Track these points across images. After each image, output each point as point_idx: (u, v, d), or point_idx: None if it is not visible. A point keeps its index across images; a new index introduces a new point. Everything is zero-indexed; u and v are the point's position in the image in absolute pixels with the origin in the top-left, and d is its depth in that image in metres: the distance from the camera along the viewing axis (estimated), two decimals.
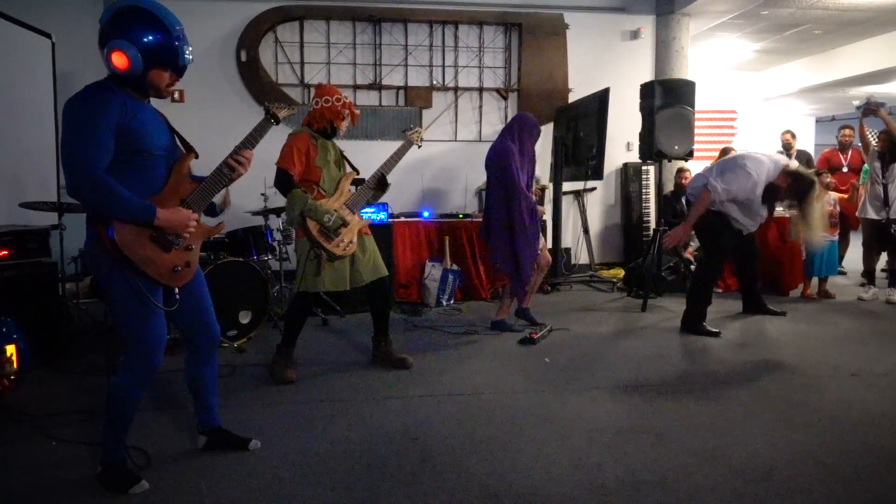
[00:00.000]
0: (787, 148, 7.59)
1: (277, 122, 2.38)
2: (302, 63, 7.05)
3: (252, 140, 2.29)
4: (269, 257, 4.95)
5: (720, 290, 6.28)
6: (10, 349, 3.28)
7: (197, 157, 2.26)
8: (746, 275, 5.13)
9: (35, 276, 3.85)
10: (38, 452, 2.56)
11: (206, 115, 6.71)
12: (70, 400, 3.17)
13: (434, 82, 7.30)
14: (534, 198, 4.51)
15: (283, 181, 3.46)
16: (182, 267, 2.18)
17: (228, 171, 2.23)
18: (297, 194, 3.42)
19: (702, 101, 6.60)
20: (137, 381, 2.19)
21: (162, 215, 2.07)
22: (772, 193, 4.41)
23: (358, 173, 3.79)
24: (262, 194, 5.24)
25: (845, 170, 7.15)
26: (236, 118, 6.81)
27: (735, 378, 3.55)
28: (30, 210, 4.06)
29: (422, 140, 3.88)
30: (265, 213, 5.21)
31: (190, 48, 2.15)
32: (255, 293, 4.37)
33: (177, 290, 2.17)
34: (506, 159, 4.36)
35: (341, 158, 3.73)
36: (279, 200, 5.28)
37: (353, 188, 3.74)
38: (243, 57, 6.87)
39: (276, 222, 5.34)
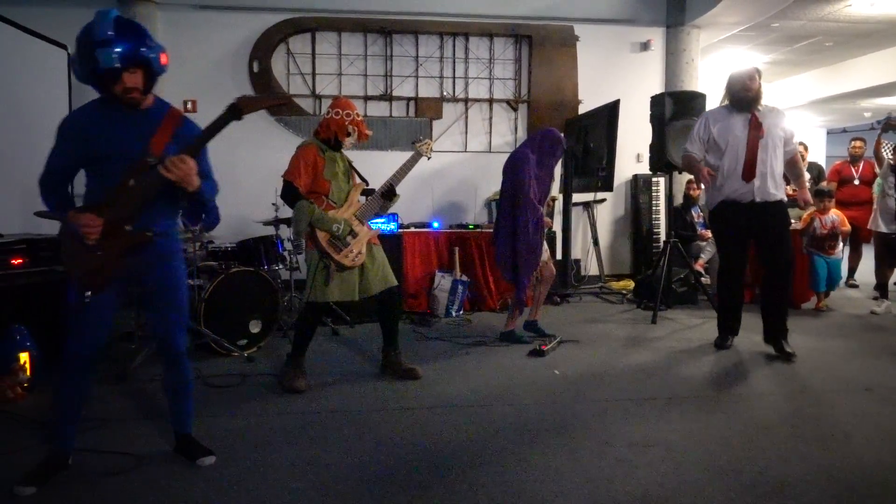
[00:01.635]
0: None
1: (240, 118, 2.29)
2: (314, 74, 7.10)
3: (206, 136, 2.26)
4: (280, 267, 4.98)
5: None
6: (24, 357, 3.31)
7: (148, 166, 2.18)
8: (767, 293, 4.30)
9: (48, 285, 3.87)
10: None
11: None
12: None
13: (444, 93, 7.34)
14: (543, 210, 4.51)
15: (290, 193, 3.49)
16: (91, 271, 2.21)
17: (154, 178, 2.18)
18: (303, 206, 3.44)
19: None
20: (66, 366, 2.33)
21: (70, 217, 2.21)
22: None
23: (367, 184, 3.82)
24: (273, 204, 5.27)
25: (856, 182, 7.12)
26: (248, 128, 6.83)
27: (746, 391, 3.52)
28: (43, 219, 4.10)
29: (431, 151, 3.89)
30: (275, 222, 5.24)
31: (112, 54, 2.11)
32: (265, 302, 4.39)
33: (87, 294, 2.21)
34: (520, 166, 4.40)
35: (350, 169, 3.75)
36: (288, 211, 5.33)
37: (362, 199, 3.76)
38: (255, 68, 6.93)
39: (286, 232, 5.37)
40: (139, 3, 6.57)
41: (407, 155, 3.84)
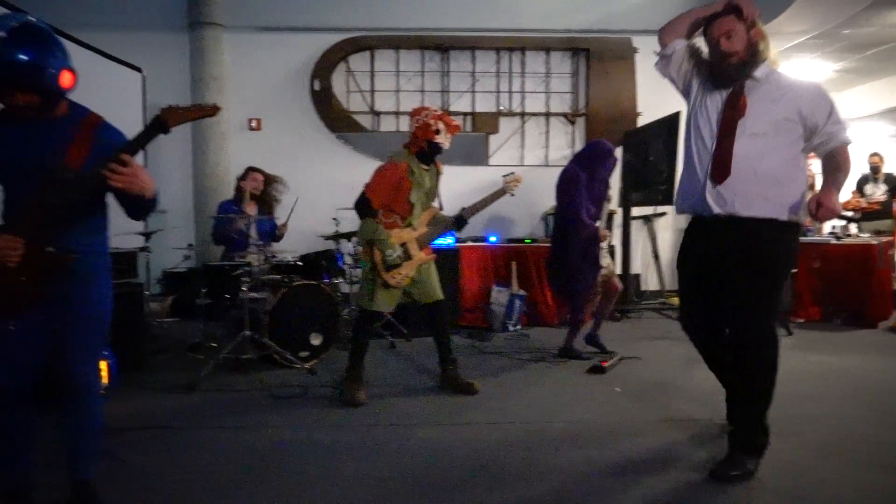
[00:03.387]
0: (874, 171, 7.24)
1: (167, 130, 2.00)
2: (372, 91, 7.24)
3: (130, 150, 1.96)
4: (340, 280, 5.07)
5: (801, 320, 6.01)
6: (102, 365, 3.46)
7: (64, 180, 1.94)
8: (730, 372, 2.73)
9: (123, 296, 4.06)
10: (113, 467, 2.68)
11: (282, 142, 7.01)
12: (150, 416, 3.31)
13: (501, 108, 7.36)
14: (598, 224, 4.44)
15: (363, 207, 3.55)
16: (11, 297, 1.96)
17: (79, 189, 1.96)
18: (369, 223, 3.52)
19: None
20: None
21: None
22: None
23: (441, 208, 3.84)
24: (334, 219, 5.38)
25: None
26: (310, 145, 7.09)
27: (816, 414, 3.36)
28: (119, 234, 4.32)
29: (516, 188, 3.87)
30: (336, 237, 5.34)
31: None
32: (325, 316, 4.47)
33: (11, 323, 1.97)
34: (571, 186, 4.36)
35: (435, 189, 3.76)
36: (349, 225, 5.45)
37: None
38: (317, 86, 7.12)
39: (346, 247, 5.47)
40: (207, 26, 6.86)
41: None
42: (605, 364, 4.21)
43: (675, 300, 7.06)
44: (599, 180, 4.43)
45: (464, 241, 6.12)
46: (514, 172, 4.00)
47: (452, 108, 7.26)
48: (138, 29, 6.78)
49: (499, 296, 5.74)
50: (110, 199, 2.11)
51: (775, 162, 2.48)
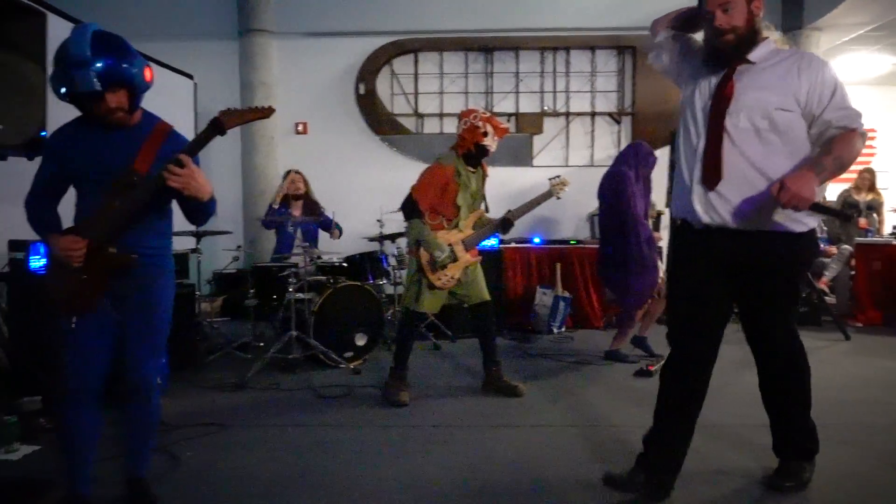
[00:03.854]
0: None
1: (223, 132, 2.06)
2: (416, 93, 7.28)
3: (189, 151, 2.04)
4: (384, 281, 5.11)
5: (860, 325, 5.78)
6: None
7: (131, 185, 2.04)
8: (766, 396, 2.55)
9: (176, 297, 4.16)
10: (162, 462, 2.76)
11: (328, 145, 7.11)
12: (201, 414, 3.40)
13: (545, 108, 7.29)
14: (650, 224, 4.38)
15: (410, 209, 3.57)
16: (70, 295, 2.05)
17: (142, 192, 2.04)
18: (416, 224, 3.54)
19: None
20: (64, 402, 2.11)
21: (52, 240, 2.06)
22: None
23: (487, 211, 3.83)
24: (378, 220, 5.43)
25: None
26: (355, 148, 7.16)
27: (881, 422, 3.22)
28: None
29: (563, 191, 3.85)
30: (380, 238, 5.39)
31: (91, 76, 1.92)
32: (370, 316, 4.51)
33: (73, 320, 2.06)
34: (622, 186, 4.30)
35: (481, 191, 3.76)
36: (393, 227, 5.48)
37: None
38: (361, 90, 7.20)
39: (390, 248, 5.51)
40: (256, 33, 7.01)
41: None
42: (653, 368, 4.12)
43: None
44: (642, 179, 4.37)
45: (507, 243, 6.08)
46: (561, 175, 3.96)
47: (496, 109, 7.23)
48: (190, 38, 6.97)
49: (543, 298, 5.70)
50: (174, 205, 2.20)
51: (777, 163, 2.10)
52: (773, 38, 2.23)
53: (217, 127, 2.04)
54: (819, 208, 2.04)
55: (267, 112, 2.14)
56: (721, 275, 2.25)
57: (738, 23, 2.13)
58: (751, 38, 2.17)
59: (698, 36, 2.40)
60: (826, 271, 6.02)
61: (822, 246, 6.28)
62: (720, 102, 2.16)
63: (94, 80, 1.92)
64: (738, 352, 4.79)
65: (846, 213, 2.32)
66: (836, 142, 2.06)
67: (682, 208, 2.29)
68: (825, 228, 6.39)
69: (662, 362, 4.21)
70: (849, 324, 5.58)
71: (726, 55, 2.18)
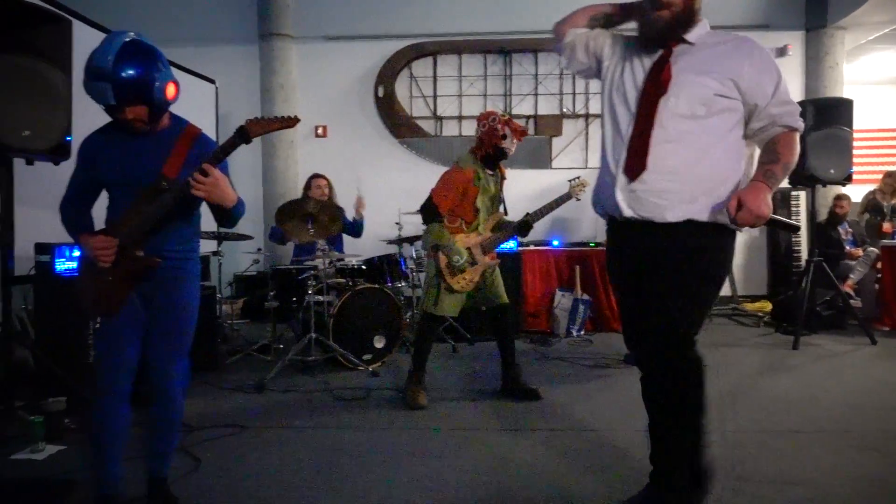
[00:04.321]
0: None
1: (248, 140, 2.07)
2: (435, 96, 7.29)
3: (215, 159, 2.05)
4: (403, 284, 5.13)
5: (886, 328, 5.67)
6: None
7: (160, 189, 2.06)
8: (648, 407, 2.24)
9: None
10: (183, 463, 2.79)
11: (347, 148, 7.16)
12: (221, 415, 3.43)
13: (564, 110, 7.27)
14: None
15: (429, 212, 3.58)
16: (96, 297, 2.10)
17: (170, 198, 2.06)
18: (435, 228, 3.54)
19: (860, 119, 6.04)
20: (97, 400, 2.13)
21: (82, 241, 2.12)
22: None
23: (506, 213, 3.83)
24: (397, 223, 5.45)
25: None
26: (373, 151, 7.21)
27: None
28: None
29: (583, 192, 3.83)
30: (399, 241, 5.41)
31: (108, 90, 1.93)
32: (389, 319, 4.53)
33: (97, 321, 2.11)
34: None
35: (499, 194, 3.76)
36: (412, 229, 5.50)
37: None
38: (380, 93, 7.23)
39: (409, 250, 5.53)
40: (276, 37, 7.09)
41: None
42: None
43: (748, 306, 6.80)
44: None
45: (526, 246, 6.06)
46: (580, 177, 3.94)
47: (515, 112, 7.22)
48: (212, 43, 7.07)
49: (562, 300, 5.67)
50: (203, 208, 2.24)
51: (708, 153, 1.93)
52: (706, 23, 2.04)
53: (243, 135, 2.05)
54: (772, 221, 1.89)
55: (292, 122, 2.16)
56: (641, 271, 2.06)
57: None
58: (688, 17, 1.98)
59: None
60: (851, 274, 5.92)
61: (847, 248, 6.17)
62: (655, 85, 1.96)
63: (110, 94, 1.93)
64: (758, 355, 4.75)
65: (795, 226, 2.16)
66: (782, 146, 1.92)
67: (605, 201, 2.09)
68: (851, 231, 6.28)
69: None
70: (875, 327, 5.48)
71: (660, 33, 1.99)
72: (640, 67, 2.04)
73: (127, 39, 1.99)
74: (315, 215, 4.28)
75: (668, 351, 2.03)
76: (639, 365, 2.23)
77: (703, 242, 1.97)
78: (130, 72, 1.95)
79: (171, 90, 2.06)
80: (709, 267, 2.01)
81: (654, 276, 2.01)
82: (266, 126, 2.09)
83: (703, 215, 1.93)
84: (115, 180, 2.12)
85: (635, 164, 1.97)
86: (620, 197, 2.01)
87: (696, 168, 1.93)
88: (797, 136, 1.96)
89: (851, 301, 5.67)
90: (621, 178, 2.00)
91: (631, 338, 2.24)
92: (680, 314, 1.99)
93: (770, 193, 1.84)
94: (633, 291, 2.10)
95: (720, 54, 1.96)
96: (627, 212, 2.00)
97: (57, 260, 3.48)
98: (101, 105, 1.99)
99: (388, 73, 7.23)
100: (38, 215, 3.52)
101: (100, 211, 2.22)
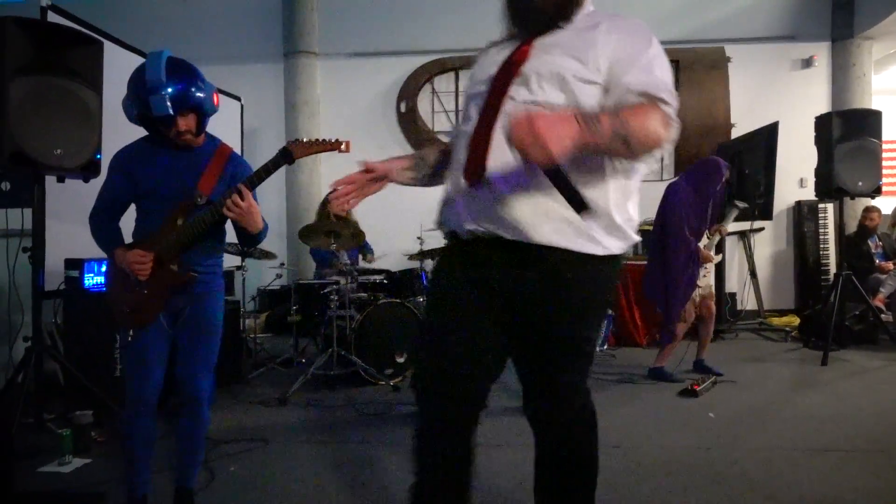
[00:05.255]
0: None
1: (292, 161, 2.14)
2: (457, 111, 7.33)
3: (258, 178, 2.12)
4: (424, 299, 5.12)
5: None
6: None
7: (195, 205, 2.14)
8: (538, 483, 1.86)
9: None
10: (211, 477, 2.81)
11: None
12: (244, 429, 3.45)
13: None
14: (700, 242, 4.33)
15: None
16: (131, 309, 2.15)
17: (208, 215, 2.13)
18: None
19: (889, 130, 5.95)
20: (126, 412, 2.19)
21: (117, 254, 2.14)
22: None
23: None
24: (418, 238, 5.46)
25: None
26: None
27: None
28: None
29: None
30: (421, 255, 5.42)
31: (165, 100, 2.03)
32: (410, 333, 4.52)
33: (130, 333, 2.16)
34: (671, 196, 4.35)
35: None
36: (433, 244, 5.50)
37: None
38: (403, 108, 7.29)
39: (430, 265, 5.53)
40: (301, 55, 7.20)
41: None
42: (698, 387, 4.02)
43: (775, 320, 6.68)
44: (704, 194, 4.30)
45: None
46: None
47: None
48: (238, 61, 7.20)
49: None
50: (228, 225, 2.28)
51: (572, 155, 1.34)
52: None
53: (286, 156, 2.12)
54: (560, 178, 1.35)
55: (335, 145, 2.22)
56: (492, 306, 1.57)
57: None
58: (565, 4, 1.55)
59: None
60: (882, 288, 5.79)
61: (877, 262, 6.04)
62: (506, 69, 1.56)
63: (168, 104, 2.03)
64: (787, 371, 4.65)
65: (583, 201, 1.35)
66: (629, 109, 1.38)
67: (446, 212, 1.64)
68: (881, 244, 6.15)
69: (709, 381, 4.15)
70: None
71: (535, 21, 1.56)
72: (497, 57, 1.64)
73: (168, 55, 2.09)
74: (337, 231, 4.36)
75: (562, 403, 1.70)
76: (432, 422, 1.69)
77: (576, 274, 1.51)
78: (182, 82, 2.07)
79: (216, 98, 2.18)
80: (586, 305, 1.57)
81: (525, 319, 1.56)
82: (309, 148, 2.17)
83: (566, 240, 1.48)
84: (151, 193, 2.17)
85: (473, 164, 1.53)
86: (461, 206, 1.56)
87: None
88: (657, 111, 1.42)
89: (882, 315, 5.54)
90: (463, 184, 1.56)
91: (431, 386, 1.64)
92: (564, 362, 1.63)
93: (575, 132, 1.27)
94: (468, 329, 1.58)
95: (583, 28, 1.52)
96: (468, 224, 1.54)
97: (86, 275, 3.55)
98: (159, 115, 2.05)
99: (410, 89, 7.29)
100: (68, 231, 3.59)
101: (126, 223, 2.26)
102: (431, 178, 1.80)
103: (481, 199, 1.52)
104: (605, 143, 1.32)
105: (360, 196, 1.73)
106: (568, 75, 1.47)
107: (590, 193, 1.44)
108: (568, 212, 1.41)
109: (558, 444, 1.71)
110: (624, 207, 1.53)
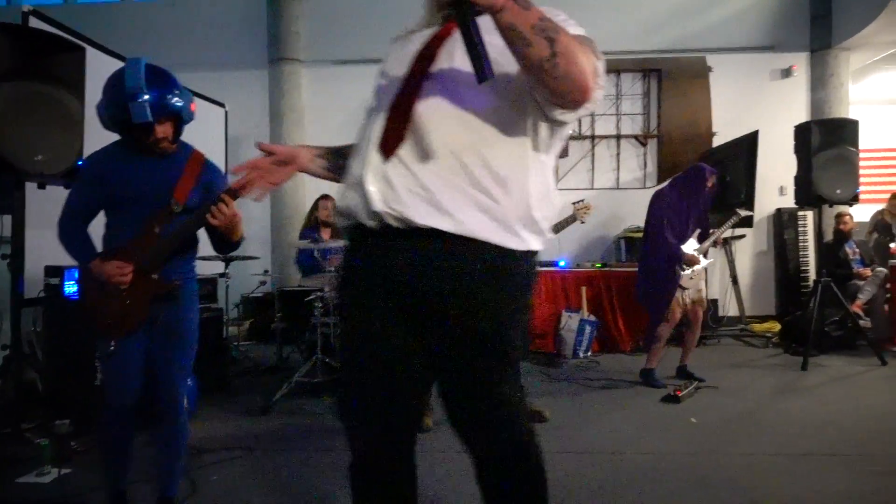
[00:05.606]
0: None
1: None
2: None
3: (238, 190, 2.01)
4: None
5: None
6: None
7: (172, 213, 2.14)
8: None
9: (205, 321, 4.23)
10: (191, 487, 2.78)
11: None
12: (226, 438, 3.42)
13: (570, 131, 7.30)
14: (690, 247, 4.41)
15: None
16: (114, 320, 2.12)
17: (192, 224, 2.12)
18: None
19: (867, 139, 6.06)
20: (105, 418, 2.20)
21: (94, 265, 2.09)
22: None
23: None
24: None
25: None
26: None
27: None
28: (200, 261, 4.54)
29: (587, 216, 3.88)
30: None
31: (145, 107, 2.03)
32: None
33: (112, 344, 2.12)
34: (655, 201, 4.48)
35: None
36: None
37: None
38: None
39: None
40: (286, 62, 7.19)
41: None
42: (680, 393, 4.05)
43: (757, 326, 6.75)
44: (689, 200, 4.36)
45: None
46: (585, 199, 3.97)
47: None
48: (222, 68, 7.18)
49: (569, 321, 5.65)
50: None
51: (494, 136, 1.32)
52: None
53: None
54: (474, 34, 1.17)
55: None
56: (405, 315, 1.37)
57: None
58: None
59: None
60: (860, 294, 5.88)
61: (855, 268, 6.13)
62: (435, 42, 1.39)
63: (148, 111, 2.03)
64: (768, 377, 4.70)
65: (486, 67, 1.15)
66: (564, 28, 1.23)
67: (349, 197, 1.39)
68: (858, 250, 6.25)
69: (691, 387, 4.18)
70: (885, 348, 5.42)
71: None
72: (412, 48, 1.45)
73: (146, 62, 2.09)
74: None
75: (494, 432, 1.48)
76: (367, 457, 1.64)
77: (494, 273, 1.33)
78: (162, 89, 2.09)
79: (193, 106, 2.21)
80: (484, 307, 1.34)
81: (439, 328, 1.35)
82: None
83: (489, 232, 1.31)
84: (124, 199, 2.14)
85: (392, 135, 1.34)
86: (370, 185, 1.33)
87: (474, 154, 1.31)
88: (591, 54, 1.31)
89: (861, 321, 5.62)
90: (374, 159, 1.35)
91: (352, 415, 1.57)
92: (488, 383, 1.43)
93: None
94: (382, 343, 1.39)
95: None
96: (378, 205, 1.31)
97: (66, 283, 3.50)
98: (138, 122, 2.04)
99: None
100: (49, 238, 3.54)
101: (93, 230, 2.23)
102: (346, 169, 1.49)
103: (394, 179, 1.31)
104: (528, 32, 1.16)
105: (266, 183, 1.61)
106: (506, 52, 1.22)
107: (511, 181, 1.32)
108: (488, 200, 1.30)
109: (493, 460, 1.51)
110: (542, 203, 1.38)
